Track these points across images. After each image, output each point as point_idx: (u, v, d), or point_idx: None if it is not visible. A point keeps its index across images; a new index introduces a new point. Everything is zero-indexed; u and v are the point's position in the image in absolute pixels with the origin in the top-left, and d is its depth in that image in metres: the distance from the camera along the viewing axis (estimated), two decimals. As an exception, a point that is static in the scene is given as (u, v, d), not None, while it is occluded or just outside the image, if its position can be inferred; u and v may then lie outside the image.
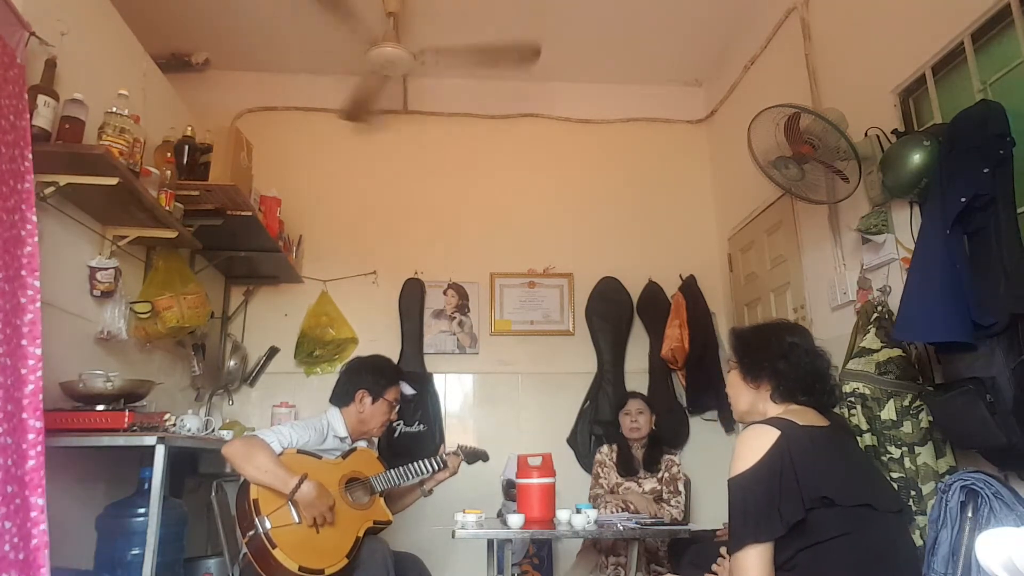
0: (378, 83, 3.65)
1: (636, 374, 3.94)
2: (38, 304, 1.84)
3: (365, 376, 2.57)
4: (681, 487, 3.00)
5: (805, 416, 1.55)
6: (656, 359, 3.90)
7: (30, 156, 1.93)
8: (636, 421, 3.11)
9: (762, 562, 1.38)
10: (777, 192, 3.13)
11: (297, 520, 2.17)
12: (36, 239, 1.89)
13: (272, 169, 3.72)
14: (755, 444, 1.45)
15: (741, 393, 1.70)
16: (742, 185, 3.72)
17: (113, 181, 2.20)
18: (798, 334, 1.71)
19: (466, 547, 3.34)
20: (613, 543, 2.88)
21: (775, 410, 1.62)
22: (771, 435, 1.45)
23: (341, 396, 2.56)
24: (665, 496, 2.98)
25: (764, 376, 1.65)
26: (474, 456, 2.71)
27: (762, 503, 1.40)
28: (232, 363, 3.67)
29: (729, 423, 3.77)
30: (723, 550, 1.68)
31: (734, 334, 1.82)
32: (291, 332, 3.85)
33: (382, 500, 2.44)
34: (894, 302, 2.33)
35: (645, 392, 3.70)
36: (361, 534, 2.27)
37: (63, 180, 2.18)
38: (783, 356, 1.63)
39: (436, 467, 2.60)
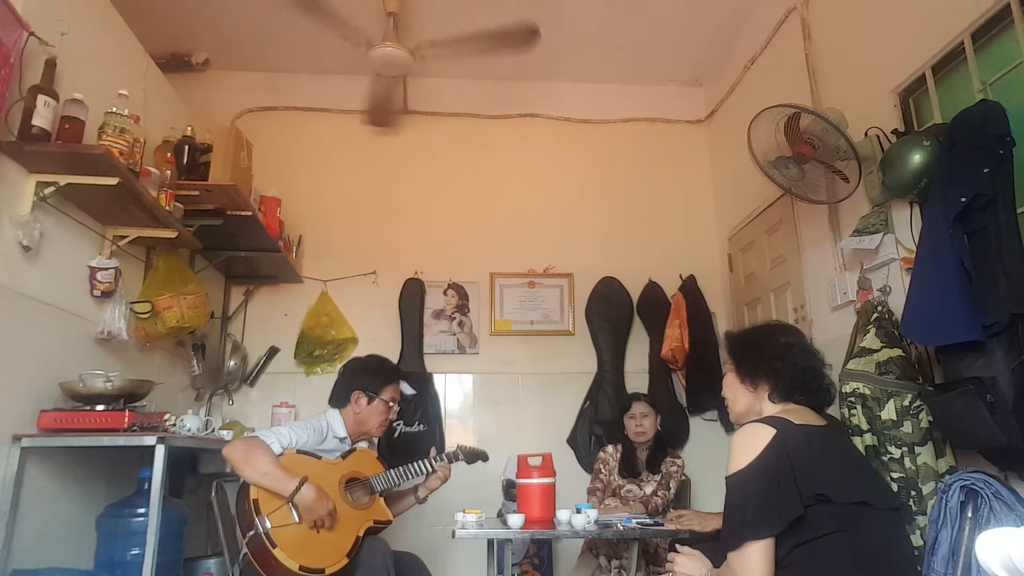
0: (388, 83, 3.63)
1: (636, 374, 3.94)
2: None
3: (360, 376, 2.56)
4: (672, 484, 2.99)
5: (801, 415, 1.57)
6: (656, 359, 3.90)
7: None
8: (641, 425, 3.08)
9: (764, 558, 1.39)
10: (777, 192, 3.13)
11: (297, 520, 2.17)
12: None
13: (272, 169, 3.72)
14: (751, 442, 1.46)
15: (739, 395, 1.73)
16: (742, 185, 3.72)
17: (113, 181, 2.20)
18: (791, 334, 1.74)
19: (466, 547, 3.35)
20: (614, 546, 2.87)
21: (772, 410, 1.64)
22: (767, 433, 1.46)
23: (338, 397, 2.56)
24: (660, 493, 2.98)
25: (761, 377, 1.67)
26: (474, 456, 2.70)
27: (761, 500, 1.41)
28: (232, 363, 3.67)
29: (729, 423, 3.76)
30: (671, 555, 1.68)
31: (729, 338, 1.85)
32: (291, 332, 3.85)
33: (382, 500, 2.44)
34: (894, 302, 2.33)
35: (645, 392, 3.68)
36: (361, 533, 2.27)
37: (63, 180, 2.19)
38: (778, 356, 1.65)
39: (434, 468, 2.60)
